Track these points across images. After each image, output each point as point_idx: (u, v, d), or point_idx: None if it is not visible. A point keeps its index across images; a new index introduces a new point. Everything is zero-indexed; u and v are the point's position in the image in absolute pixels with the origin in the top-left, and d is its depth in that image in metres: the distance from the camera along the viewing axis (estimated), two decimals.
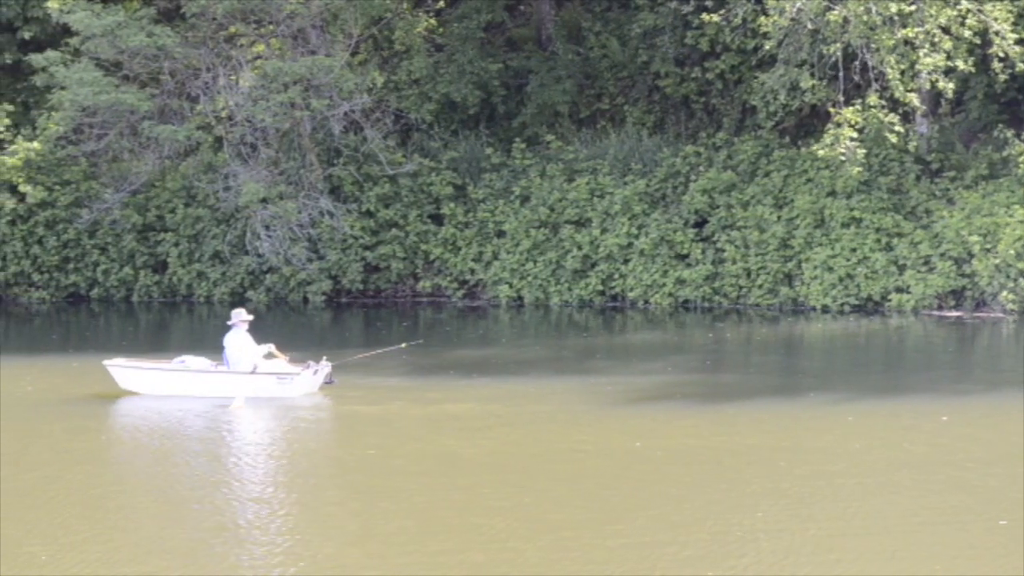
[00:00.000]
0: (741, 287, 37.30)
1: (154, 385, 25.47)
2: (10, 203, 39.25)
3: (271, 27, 39.30)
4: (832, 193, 36.80)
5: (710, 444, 21.23)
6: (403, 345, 28.76)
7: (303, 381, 25.34)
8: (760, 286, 37.01)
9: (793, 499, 17.79)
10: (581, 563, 15.26)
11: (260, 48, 39.50)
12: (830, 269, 36.25)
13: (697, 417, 23.26)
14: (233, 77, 39.08)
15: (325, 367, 25.65)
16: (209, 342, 32.31)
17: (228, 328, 25.73)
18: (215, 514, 17.50)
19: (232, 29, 39.55)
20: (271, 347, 25.69)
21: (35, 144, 39.38)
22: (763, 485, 18.52)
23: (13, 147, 39.57)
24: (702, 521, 16.78)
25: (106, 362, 25.92)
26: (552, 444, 21.49)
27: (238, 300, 39.22)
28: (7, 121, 40.10)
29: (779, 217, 37.09)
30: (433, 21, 42.11)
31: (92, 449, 22.05)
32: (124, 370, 25.63)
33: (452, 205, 39.49)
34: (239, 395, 24.76)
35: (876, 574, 14.98)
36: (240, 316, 25.53)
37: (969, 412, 23.31)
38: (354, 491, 18.56)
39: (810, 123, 38.80)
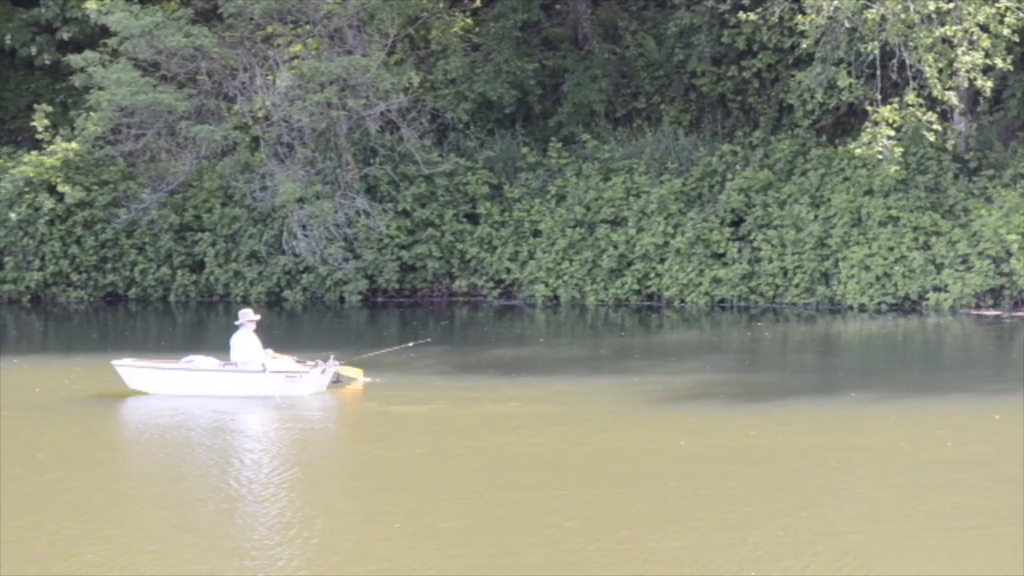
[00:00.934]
0: (777, 286, 37.24)
1: (162, 385, 25.52)
2: (49, 203, 39.42)
3: (308, 27, 39.41)
4: (869, 192, 36.73)
5: (757, 443, 21.21)
6: (410, 344, 28.78)
7: (311, 380, 25.40)
8: (797, 285, 36.95)
9: (850, 500, 17.75)
10: (640, 564, 15.25)
11: (297, 48, 39.59)
12: (867, 268, 36.17)
13: (740, 416, 23.25)
14: (270, 77, 39.18)
15: (332, 366, 25.71)
16: None
17: (235, 328, 25.80)
18: (271, 514, 17.48)
19: (269, 29, 39.69)
20: (270, 351, 25.77)
21: (73, 144, 39.55)
22: (818, 485, 18.50)
23: (52, 147, 39.75)
24: (759, 522, 16.75)
25: (115, 362, 26.02)
26: (600, 443, 21.51)
27: (275, 299, 39.49)
28: (46, 122, 40.24)
29: (816, 216, 37.02)
30: (469, 20, 42.14)
31: (137, 447, 22.18)
32: (132, 370, 25.69)
33: (488, 204, 39.53)
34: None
35: (939, 574, 14.94)
36: (247, 316, 25.60)
37: (1017, 411, 23.16)
38: (412, 491, 18.50)
39: (847, 122, 38.70)
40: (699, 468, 19.65)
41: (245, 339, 25.49)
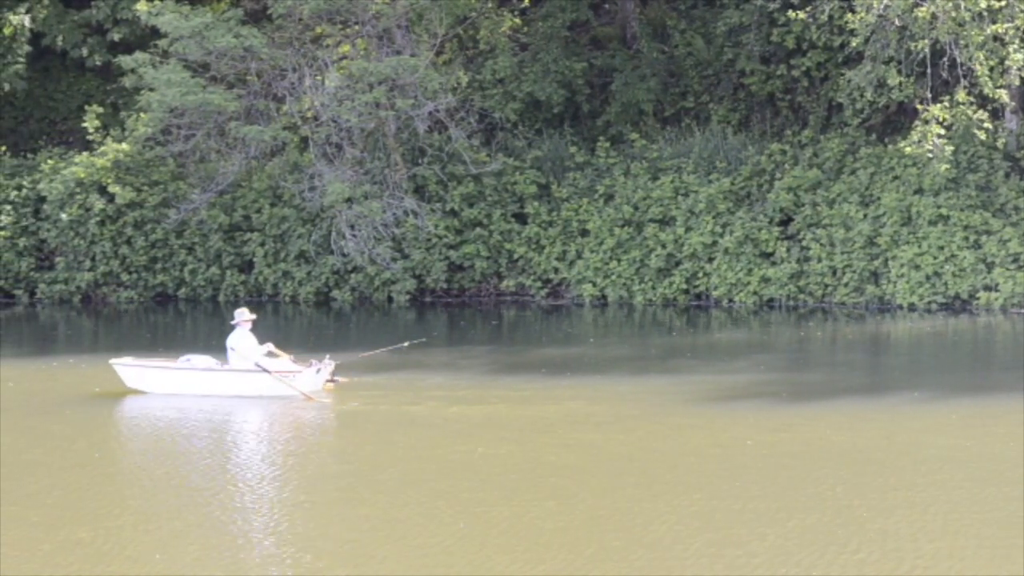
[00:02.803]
0: (827, 285, 37.12)
1: (160, 384, 25.65)
2: (99, 204, 39.66)
3: (357, 27, 39.49)
4: (919, 191, 36.56)
5: (825, 442, 21.09)
6: (405, 344, 28.78)
7: (305, 379, 25.43)
8: (846, 284, 36.82)
9: (946, 500, 17.60)
10: (742, 564, 15.18)
11: (346, 48, 39.68)
12: (917, 267, 36.00)
13: (799, 415, 23.17)
14: (319, 77, 39.29)
15: (328, 365, 25.77)
16: (295, 340, 32.56)
17: (232, 328, 25.99)
18: (362, 515, 17.45)
19: (318, 30, 39.81)
20: (270, 346, 25.91)
21: (124, 145, 39.80)
22: (909, 485, 18.37)
23: (102, 148, 40.00)
24: (859, 521, 16.62)
25: (113, 361, 26.16)
26: (672, 443, 21.41)
27: (323, 299, 39.63)
28: (97, 122, 40.53)
29: (865, 215, 36.87)
30: (517, 20, 42.17)
31: (187, 448, 22.26)
32: (130, 369, 25.84)
33: (536, 204, 39.56)
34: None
35: None
36: (243, 316, 25.78)
37: None
38: (503, 490, 18.42)
39: (897, 120, 38.55)
40: (781, 468, 19.50)
41: (241, 339, 25.57)
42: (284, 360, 25.78)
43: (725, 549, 15.66)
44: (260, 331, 35.90)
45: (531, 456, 20.60)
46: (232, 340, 25.71)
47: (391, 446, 21.66)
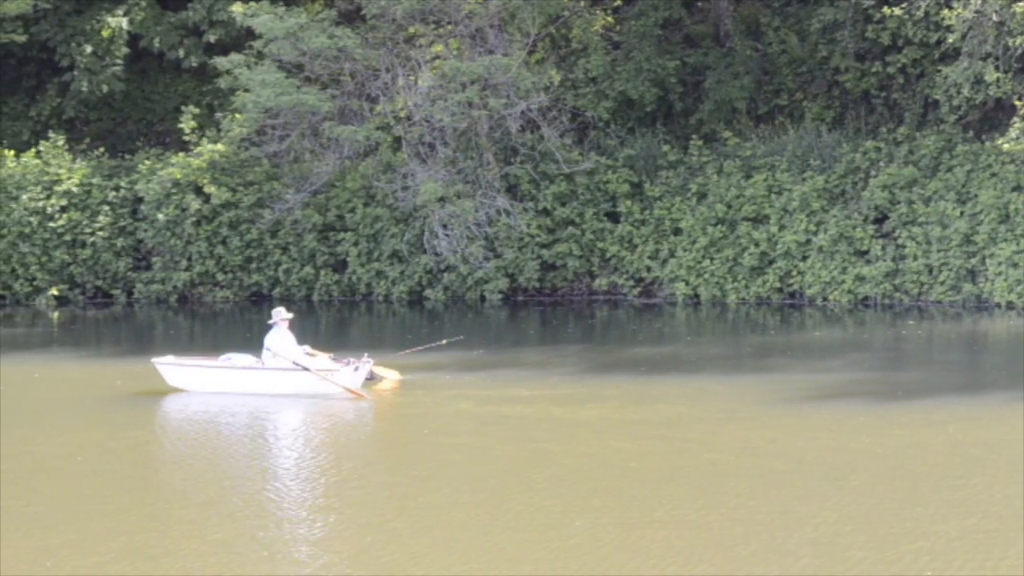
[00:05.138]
0: (922, 284, 36.83)
1: (201, 382, 25.85)
2: (195, 204, 40.06)
3: (450, 27, 39.63)
4: (1017, 188, 36.19)
5: (959, 440, 20.74)
6: (443, 342, 28.79)
7: (342, 378, 25.51)
8: (942, 283, 36.51)
9: None
10: (919, 564, 14.95)
11: (439, 48, 39.81)
12: (1015, 265, 35.62)
13: (919, 413, 22.89)
14: (412, 77, 39.46)
15: (366, 364, 25.82)
16: (388, 340, 32.74)
17: (269, 327, 26.07)
18: (522, 512, 17.30)
19: (411, 30, 39.96)
20: (307, 348, 26.03)
21: (219, 146, 40.16)
22: None
23: (198, 149, 40.41)
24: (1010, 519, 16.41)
25: (155, 360, 26.41)
26: (805, 441, 21.11)
27: (416, 298, 39.81)
28: (193, 123, 40.93)
29: (962, 213, 36.54)
30: (610, 19, 42.13)
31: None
32: (172, 367, 26.07)
33: (628, 203, 39.52)
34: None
35: None
36: (280, 315, 25.88)
37: None
38: (655, 490, 18.25)
39: (995, 117, 38.14)
40: (930, 468, 19.16)
41: (278, 338, 25.73)
42: (323, 358, 25.95)
43: (888, 551, 15.32)
44: (354, 331, 36.56)
45: (667, 454, 20.40)
46: (269, 340, 25.88)
47: (529, 444, 21.41)
